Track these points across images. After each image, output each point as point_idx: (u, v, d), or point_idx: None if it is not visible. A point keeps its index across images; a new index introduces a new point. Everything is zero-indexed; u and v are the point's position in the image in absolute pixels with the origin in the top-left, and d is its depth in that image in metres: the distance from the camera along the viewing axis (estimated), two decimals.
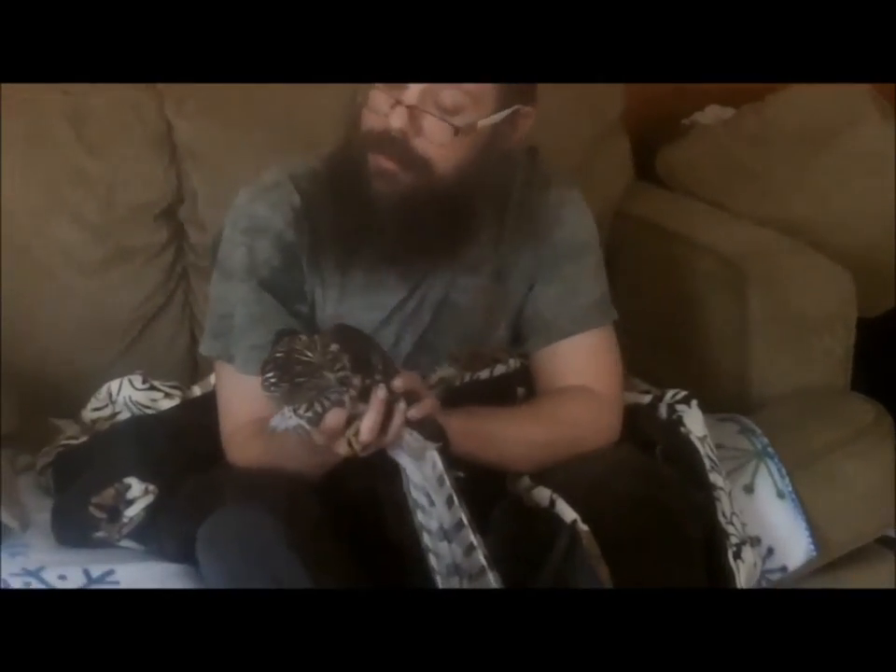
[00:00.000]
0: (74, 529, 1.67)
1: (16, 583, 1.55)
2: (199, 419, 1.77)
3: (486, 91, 1.60)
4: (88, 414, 1.90)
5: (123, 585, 1.57)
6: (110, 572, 1.58)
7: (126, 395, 1.89)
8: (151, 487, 1.67)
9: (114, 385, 1.90)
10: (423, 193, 1.61)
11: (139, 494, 1.66)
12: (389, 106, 1.59)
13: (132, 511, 1.66)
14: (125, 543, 1.67)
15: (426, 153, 1.60)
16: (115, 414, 1.88)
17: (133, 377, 1.91)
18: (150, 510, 1.66)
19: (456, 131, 1.58)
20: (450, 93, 1.58)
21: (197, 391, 1.91)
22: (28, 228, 2.04)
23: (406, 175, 1.61)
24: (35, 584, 1.55)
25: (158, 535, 1.65)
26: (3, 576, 1.56)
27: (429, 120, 1.59)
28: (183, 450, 1.73)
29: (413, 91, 1.58)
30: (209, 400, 1.76)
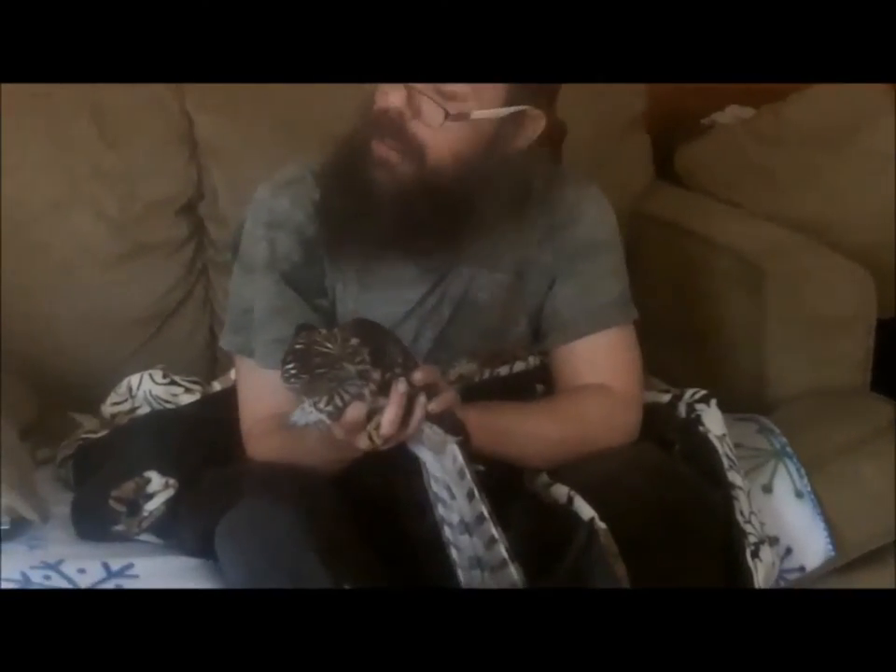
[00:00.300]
0: (93, 522, 1.67)
1: (35, 577, 1.54)
2: (219, 414, 1.77)
3: (491, 85, 1.60)
4: (107, 409, 1.91)
5: (142, 579, 1.57)
6: (129, 566, 1.58)
7: (146, 389, 1.89)
8: (171, 481, 1.67)
9: (134, 379, 1.91)
10: (418, 184, 1.61)
11: (159, 488, 1.67)
12: (392, 87, 1.60)
13: (151, 505, 1.66)
14: (144, 537, 1.67)
15: (420, 137, 1.60)
16: (135, 409, 1.89)
17: (153, 372, 1.91)
18: (170, 504, 1.66)
19: (447, 115, 1.58)
20: None
21: (217, 386, 1.92)
22: (48, 222, 2.05)
23: (402, 161, 1.61)
24: (55, 577, 1.55)
25: (177, 529, 1.65)
26: (23, 569, 1.56)
27: (425, 102, 1.59)
28: (203, 444, 1.73)
29: None
30: (229, 395, 1.76)
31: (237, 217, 1.83)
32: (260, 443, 1.66)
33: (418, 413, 1.48)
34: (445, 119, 1.58)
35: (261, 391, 1.66)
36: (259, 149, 2.11)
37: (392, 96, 1.60)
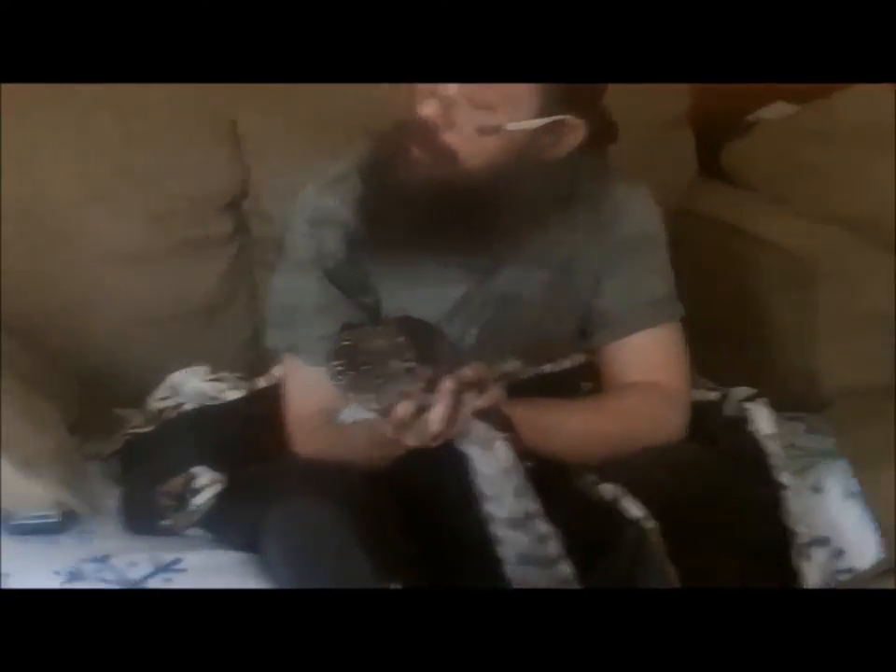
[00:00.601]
0: (142, 517, 1.69)
1: (86, 570, 1.55)
2: (265, 410, 1.77)
3: (525, 94, 1.59)
4: (153, 404, 1.90)
5: (191, 574, 1.57)
6: (178, 560, 1.59)
7: (192, 386, 1.89)
8: (219, 476, 1.67)
9: (179, 375, 1.90)
10: (452, 188, 1.61)
11: (207, 483, 1.67)
12: (427, 95, 1.60)
13: (199, 500, 1.66)
14: (192, 532, 1.67)
15: (452, 146, 1.61)
16: (180, 405, 1.88)
17: (198, 368, 1.91)
18: (218, 499, 1.66)
19: (480, 128, 1.59)
20: (485, 90, 1.58)
21: (262, 383, 1.90)
22: (92, 218, 2.05)
23: (433, 165, 1.61)
24: (104, 571, 1.56)
25: (224, 524, 1.65)
26: (73, 562, 1.57)
27: (458, 114, 1.59)
28: (250, 440, 1.74)
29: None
30: (275, 392, 1.77)
31: (281, 214, 1.84)
32: (307, 440, 1.67)
33: (465, 409, 1.47)
34: (478, 132, 1.59)
35: (307, 388, 1.66)
36: (302, 146, 2.10)
37: (427, 106, 1.60)
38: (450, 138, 1.60)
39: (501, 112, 1.59)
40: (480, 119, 1.59)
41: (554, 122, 1.62)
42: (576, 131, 1.64)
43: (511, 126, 1.60)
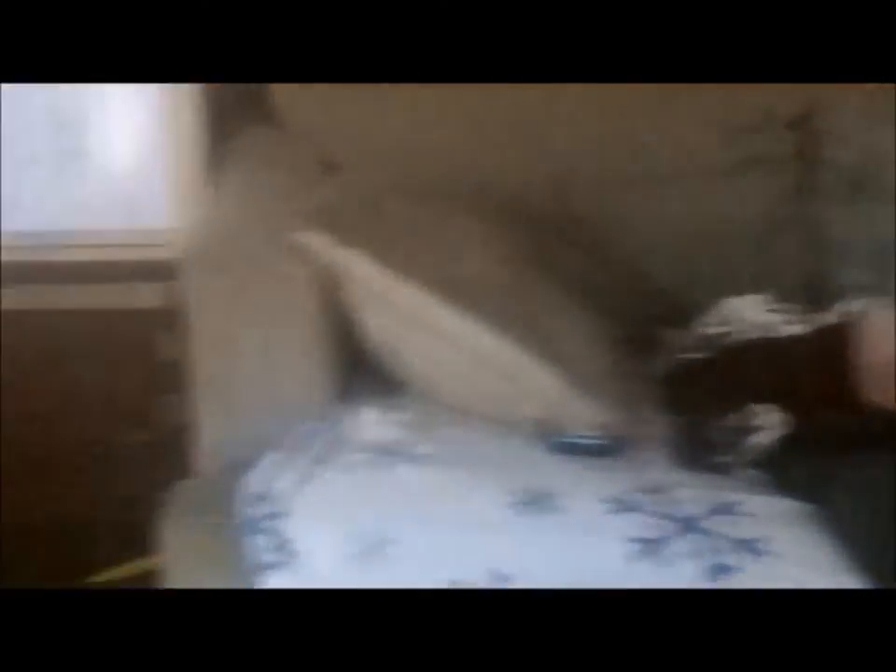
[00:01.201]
0: (694, 450, 1.59)
1: (637, 500, 1.45)
2: (830, 349, 1.64)
3: None
4: (705, 329, 1.80)
5: (751, 519, 1.44)
6: (738, 503, 1.46)
7: (749, 315, 1.78)
8: (785, 417, 1.56)
9: (736, 301, 1.80)
10: None
11: (770, 422, 1.57)
12: None
13: (760, 440, 1.56)
14: (749, 473, 1.57)
15: None
16: (733, 333, 1.77)
17: (756, 297, 1.79)
18: (781, 441, 1.56)
19: None
20: None
21: (828, 318, 1.77)
22: (663, 129, 1.99)
23: None
24: (656, 505, 1.44)
25: (787, 469, 1.54)
26: (620, 490, 1.47)
27: None
28: (812, 380, 1.62)
29: None
30: (841, 331, 1.64)
31: (859, 137, 1.69)
32: (885, 389, 1.54)
33: None
34: None
35: (891, 333, 1.53)
36: None
37: None
38: None
39: None
40: None
41: None
42: None
43: None
